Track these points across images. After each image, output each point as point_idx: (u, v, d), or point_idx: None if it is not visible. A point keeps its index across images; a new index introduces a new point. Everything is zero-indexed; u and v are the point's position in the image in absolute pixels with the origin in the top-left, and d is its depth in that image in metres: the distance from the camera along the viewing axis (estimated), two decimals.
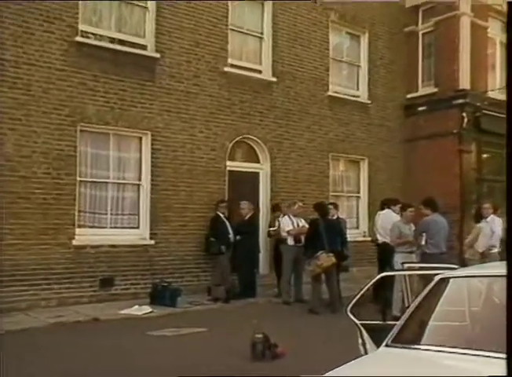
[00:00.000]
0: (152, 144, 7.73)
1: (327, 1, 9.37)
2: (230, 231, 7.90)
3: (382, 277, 3.32)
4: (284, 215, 7.80)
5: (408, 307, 2.74)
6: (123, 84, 7.51)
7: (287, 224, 7.58)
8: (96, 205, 7.37)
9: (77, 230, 7.03)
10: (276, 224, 7.97)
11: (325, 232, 6.74)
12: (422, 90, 10.86)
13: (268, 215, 8.77)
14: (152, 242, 7.64)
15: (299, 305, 7.21)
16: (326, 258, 6.59)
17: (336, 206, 7.96)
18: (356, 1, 9.66)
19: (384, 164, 10.64)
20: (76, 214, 7.05)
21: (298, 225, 7.60)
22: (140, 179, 7.76)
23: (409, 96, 10.96)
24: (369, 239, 8.89)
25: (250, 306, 7.21)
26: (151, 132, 7.73)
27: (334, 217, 7.63)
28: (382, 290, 5.65)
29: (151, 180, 7.72)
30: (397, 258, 6.21)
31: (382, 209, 7.78)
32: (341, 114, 10.01)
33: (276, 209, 8.31)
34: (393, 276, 5.25)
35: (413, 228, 6.69)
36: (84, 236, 7.11)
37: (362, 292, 3.01)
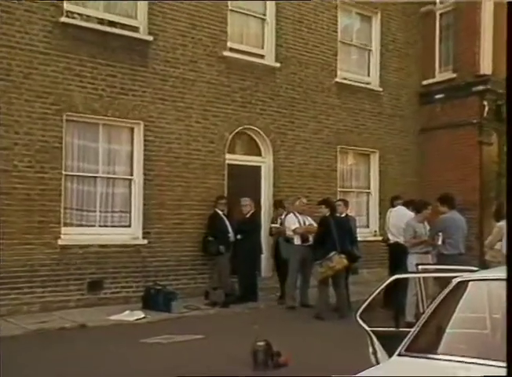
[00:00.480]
0: (145, 136, 7.73)
1: None
2: (230, 230, 7.94)
3: (395, 280, 3.31)
4: (289, 213, 7.80)
5: (423, 313, 2.75)
6: (113, 69, 7.48)
7: (292, 222, 7.56)
8: (84, 201, 7.38)
9: (63, 229, 7.03)
10: (279, 221, 7.93)
11: (335, 231, 6.81)
12: (439, 76, 10.78)
13: (270, 213, 8.79)
14: (145, 241, 7.66)
15: (305, 311, 7.22)
16: (338, 260, 6.63)
17: (345, 203, 7.93)
18: None
19: (396, 157, 10.66)
20: (62, 211, 7.05)
21: (304, 224, 7.60)
22: (131, 173, 7.77)
23: (425, 82, 10.88)
24: (380, 238, 8.87)
25: (251, 311, 7.24)
26: (143, 122, 7.72)
27: (343, 215, 7.61)
28: (395, 295, 5.64)
29: (144, 174, 7.73)
30: (411, 259, 6.18)
31: (393, 206, 7.79)
32: (350, 102, 10.02)
33: (278, 205, 8.29)
34: (407, 278, 5.26)
35: (428, 227, 6.65)
36: (71, 235, 7.12)
37: (373, 296, 3.01)
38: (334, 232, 6.77)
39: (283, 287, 7.72)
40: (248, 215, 7.99)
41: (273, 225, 7.93)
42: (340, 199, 8.23)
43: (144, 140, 7.72)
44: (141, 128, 7.71)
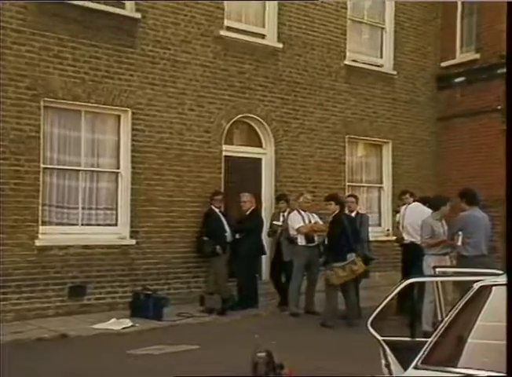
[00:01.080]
0: (133, 125, 7.73)
1: None
2: (227, 228, 7.95)
3: (410, 284, 3.27)
4: (292, 210, 7.81)
5: (442, 321, 2.74)
6: (97, 50, 7.44)
7: (296, 220, 7.53)
8: (64, 197, 7.37)
9: (41, 228, 7.01)
10: (281, 219, 7.86)
11: (350, 230, 6.85)
12: (460, 57, 10.67)
13: (272, 210, 8.82)
14: (133, 242, 7.66)
15: (310, 318, 7.26)
16: (359, 263, 6.68)
17: (356, 200, 7.91)
18: None
19: (412, 148, 10.67)
20: (40, 208, 7.02)
21: (309, 222, 7.60)
22: (118, 166, 7.77)
23: (444, 64, 10.80)
24: (393, 238, 8.84)
25: (251, 319, 7.26)
26: (131, 109, 7.71)
27: (353, 213, 7.60)
28: (410, 300, 5.64)
29: (132, 167, 7.73)
30: (428, 261, 6.20)
31: (402, 202, 7.79)
32: (360, 87, 10.01)
33: (281, 200, 8.18)
34: (423, 283, 5.29)
35: (446, 225, 6.64)
36: (50, 235, 7.11)
37: (385, 302, 3.00)
38: (349, 232, 6.78)
39: (284, 292, 7.71)
40: (248, 212, 8.00)
41: (275, 223, 7.84)
42: (351, 195, 8.21)
43: (132, 130, 7.72)
44: (129, 116, 7.71)
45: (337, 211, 6.98)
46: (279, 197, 8.18)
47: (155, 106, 7.89)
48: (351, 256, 6.71)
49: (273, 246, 7.74)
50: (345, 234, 6.79)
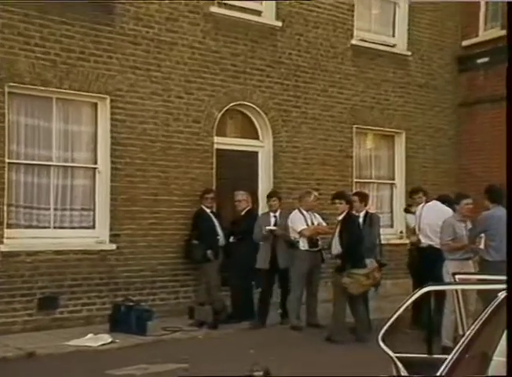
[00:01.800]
0: (112, 114, 7.71)
1: None
2: (219, 231, 7.97)
3: (427, 293, 3.26)
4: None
5: (464, 335, 2.72)
6: (70, 28, 7.39)
7: (298, 221, 7.48)
8: (33, 197, 7.35)
9: (6, 231, 7.00)
10: (272, 221, 7.72)
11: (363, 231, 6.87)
12: (484, 35, 10.59)
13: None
14: (113, 246, 7.65)
15: (313, 332, 7.24)
16: (378, 269, 6.71)
17: (366, 198, 7.88)
18: None
19: (428, 139, 10.68)
20: (5, 209, 7.01)
21: (312, 223, 7.56)
22: (95, 161, 7.75)
23: (465, 43, 10.72)
24: (407, 241, 8.85)
25: (247, 333, 7.25)
26: (109, 96, 7.68)
27: (362, 213, 7.57)
28: (426, 311, 5.48)
29: (112, 162, 7.71)
30: (448, 267, 6.15)
31: (413, 201, 7.74)
32: (369, 71, 10.01)
33: (272, 196, 7.96)
34: (442, 292, 5.27)
35: (469, 226, 6.62)
36: (17, 240, 7.11)
37: (398, 313, 2.99)
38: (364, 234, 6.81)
39: (284, 303, 7.67)
40: (243, 213, 7.98)
41: (268, 228, 7.56)
42: (355, 193, 8.14)
43: (111, 120, 7.69)
44: (107, 104, 7.67)
45: (346, 211, 6.96)
46: (271, 194, 8.02)
47: (138, 93, 7.87)
48: (371, 262, 6.71)
49: (267, 253, 7.57)
50: (362, 237, 6.81)
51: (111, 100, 7.66)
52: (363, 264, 6.72)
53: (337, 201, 7.02)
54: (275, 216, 7.69)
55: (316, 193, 7.86)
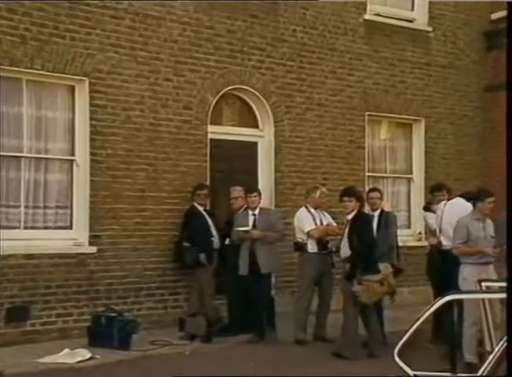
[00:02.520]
0: (92, 99, 7.66)
1: None
2: (214, 232, 7.94)
3: (449, 302, 3.30)
4: (297, 208, 7.82)
5: (492, 351, 2.77)
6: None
7: (306, 220, 7.48)
8: (1, 193, 7.27)
9: None
10: (250, 220, 7.46)
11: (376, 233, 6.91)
12: None
13: (272, 206, 8.79)
14: (93, 249, 7.63)
15: (320, 346, 7.21)
16: (392, 275, 6.74)
17: (381, 195, 7.86)
18: None
19: (451, 127, 10.65)
20: None
21: (321, 223, 7.54)
22: (72, 153, 7.71)
23: (494, 16, 10.63)
24: (426, 243, 8.80)
25: (244, 347, 7.20)
26: (88, 79, 7.64)
27: (377, 212, 7.54)
28: (449, 323, 5.41)
29: (91, 154, 7.66)
30: (465, 273, 6.17)
31: (435, 199, 7.66)
32: (384, 49, 9.95)
33: (253, 192, 7.60)
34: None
35: (489, 225, 6.51)
36: None
37: (417, 325, 3.02)
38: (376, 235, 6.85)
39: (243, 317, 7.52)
40: (241, 211, 7.86)
41: (240, 229, 7.38)
42: (374, 189, 8.11)
43: (91, 105, 7.64)
44: (86, 87, 7.64)
45: (356, 209, 6.92)
46: (251, 189, 7.73)
47: (121, 75, 7.83)
48: (386, 267, 6.69)
49: (245, 257, 7.41)
50: (374, 239, 6.80)
51: (91, 83, 7.61)
52: (376, 269, 6.68)
53: (346, 198, 6.97)
54: (254, 214, 7.51)
55: (323, 189, 7.81)
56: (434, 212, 7.62)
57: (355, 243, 6.77)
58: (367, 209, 7.68)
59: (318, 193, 7.60)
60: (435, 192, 7.76)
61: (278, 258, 7.71)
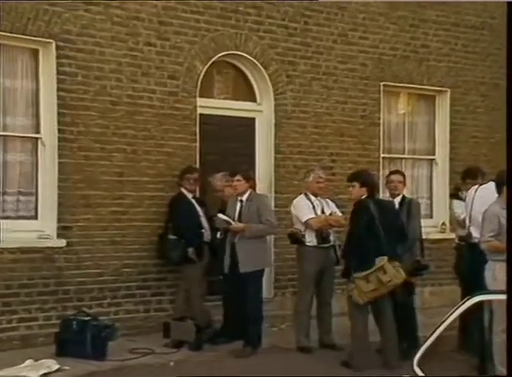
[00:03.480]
0: (59, 65, 7.59)
1: None
2: (204, 223, 7.96)
3: (478, 304, 3.38)
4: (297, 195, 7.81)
5: None
6: None
7: (304, 209, 7.58)
8: None
9: None
10: (237, 207, 7.37)
11: (381, 224, 6.82)
12: None
13: (271, 192, 8.85)
14: (62, 243, 7.60)
15: (326, 354, 7.28)
16: (394, 271, 6.68)
17: (404, 179, 7.78)
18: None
19: (481, 100, 10.62)
20: None
21: (322, 212, 7.61)
22: (37, 130, 7.68)
23: None
24: (453, 235, 8.79)
25: (240, 355, 7.22)
26: (55, 41, 7.54)
27: (397, 198, 7.55)
28: (477, 329, 5.74)
29: (59, 131, 7.61)
30: (495, 271, 6.20)
31: (466, 185, 7.62)
32: (403, 7, 9.83)
33: (235, 175, 7.51)
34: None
35: None
36: None
37: (440, 331, 3.02)
38: (379, 226, 6.79)
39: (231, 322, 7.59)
40: (231, 199, 7.78)
41: (221, 217, 7.31)
42: (396, 171, 8.10)
43: (58, 73, 7.57)
44: (52, 51, 7.55)
45: (363, 196, 6.96)
46: (233, 172, 7.64)
47: (94, 37, 7.75)
48: (381, 260, 6.68)
49: (227, 252, 7.38)
50: (373, 229, 6.78)
51: (58, 47, 7.53)
52: (368, 264, 6.68)
53: (350, 183, 7.09)
54: (241, 201, 7.44)
55: (320, 172, 7.81)
56: (463, 200, 7.57)
57: (347, 235, 6.94)
58: (386, 195, 7.71)
59: (311, 177, 7.67)
60: (468, 178, 7.68)
61: (266, 255, 7.69)
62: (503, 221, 6.11)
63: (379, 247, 6.73)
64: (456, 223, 8.16)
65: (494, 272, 6.18)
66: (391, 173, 8.03)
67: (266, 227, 7.39)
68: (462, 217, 7.61)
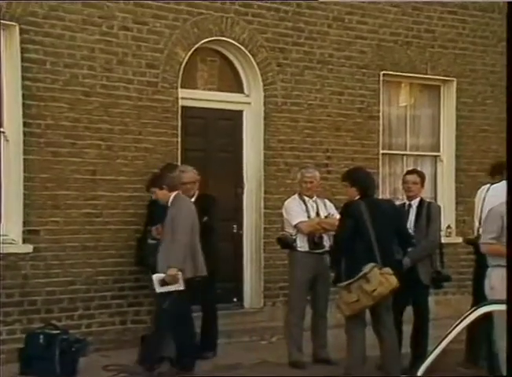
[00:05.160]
0: (24, 51, 7.53)
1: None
2: None
3: (485, 315, 3.43)
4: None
5: None
6: None
7: (296, 211, 7.62)
8: None
9: None
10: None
11: (373, 226, 6.82)
12: None
13: (260, 194, 8.93)
14: (28, 248, 7.56)
15: (321, 369, 7.29)
16: (380, 278, 6.66)
17: (422, 179, 7.74)
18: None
19: (491, 90, 10.58)
20: None
21: (317, 214, 7.66)
22: (0, 123, 7.58)
23: None
24: (459, 240, 9.16)
25: (224, 369, 7.30)
26: (19, 24, 7.46)
27: (415, 200, 7.54)
28: (486, 340, 5.74)
29: (25, 125, 7.57)
30: (493, 279, 6.23)
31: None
32: None
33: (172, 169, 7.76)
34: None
35: None
36: None
37: (445, 344, 3.08)
38: (371, 230, 6.78)
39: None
40: (193, 199, 7.64)
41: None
42: (413, 171, 8.09)
43: (23, 60, 7.51)
44: (15, 35, 7.47)
45: (356, 197, 6.97)
46: (167, 167, 7.73)
47: (62, 20, 7.69)
48: (369, 267, 6.65)
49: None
50: (362, 233, 6.77)
51: (22, 31, 7.46)
52: (350, 274, 6.69)
53: (344, 183, 7.17)
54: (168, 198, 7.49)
55: (309, 170, 7.81)
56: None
57: (335, 239, 7.10)
58: (400, 198, 7.81)
59: (299, 176, 7.73)
60: (497, 174, 7.49)
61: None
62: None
63: (369, 252, 6.70)
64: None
65: (490, 281, 6.23)
66: (407, 173, 8.04)
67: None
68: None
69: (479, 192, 7.53)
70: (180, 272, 6.81)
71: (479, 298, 6.46)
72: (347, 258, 6.83)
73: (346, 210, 7.01)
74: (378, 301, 6.68)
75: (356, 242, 6.80)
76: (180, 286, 6.81)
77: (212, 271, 7.47)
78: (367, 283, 6.57)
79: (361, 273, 6.60)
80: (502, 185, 7.03)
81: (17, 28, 7.42)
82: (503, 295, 5.42)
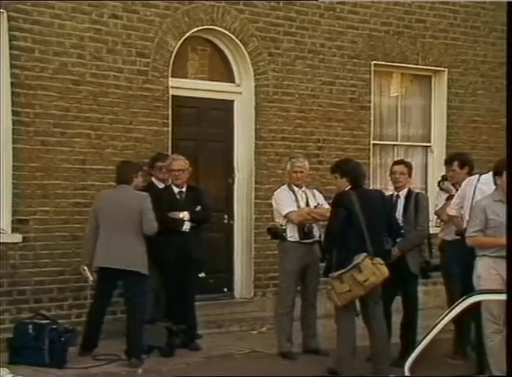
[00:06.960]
0: (13, 39, 7.50)
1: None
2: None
3: (474, 305, 3.42)
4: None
5: None
6: None
7: (286, 201, 7.61)
8: None
9: None
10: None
11: (364, 217, 6.83)
12: None
13: (251, 184, 8.96)
14: (17, 238, 7.58)
15: (311, 360, 7.29)
16: (372, 267, 6.65)
17: (409, 170, 7.70)
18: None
19: (482, 81, 10.63)
20: None
21: (307, 204, 7.66)
22: None
23: None
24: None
25: (215, 360, 7.28)
26: (7, 12, 7.44)
27: (402, 191, 7.53)
28: (475, 331, 5.83)
29: (13, 113, 7.57)
30: (480, 268, 6.24)
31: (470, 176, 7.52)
32: None
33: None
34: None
35: None
36: None
37: (433, 334, 3.02)
38: (361, 220, 6.79)
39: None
40: (183, 189, 7.66)
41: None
42: (400, 162, 8.00)
43: (12, 48, 7.49)
44: (3, 22, 7.44)
45: (348, 187, 6.98)
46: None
47: (51, 8, 7.68)
48: (359, 257, 6.66)
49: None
50: (353, 224, 6.77)
51: (10, 18, 7.44)
52: (349, 262, 6.65)
53: (333, 174, 7.16)
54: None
55: (299, 160, 7.76)
56: (447, 191, 7.66)
57: (327, 229, 7.02)
58: (390, 188, 7.73)
59: (288, 166, 7.71)
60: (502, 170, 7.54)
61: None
62: (491, 215, 6.25)
63: (360, 242, 6.72)
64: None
65: (480, 269, 6.21)
66: (394, 163, 7.99)
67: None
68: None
69: (465, 183, 7.33)
70: (86, 267, 7.06)
71: (467, 288, 6.40)
72: (339, 248, 6.83)
73: (338, 200, 7.00)
74: (369, 291, 6.69)
75: (348, 232, 6.79)
76: (89, 278, 7.12)
77: (192, 261, 7.50)
78: (359, 273, 6.56)
79: (353, 263, 6.60)
80: (486, 178, 7.06)
81: (5, 15, 7.41)
82: (489, 283, 5.47)
